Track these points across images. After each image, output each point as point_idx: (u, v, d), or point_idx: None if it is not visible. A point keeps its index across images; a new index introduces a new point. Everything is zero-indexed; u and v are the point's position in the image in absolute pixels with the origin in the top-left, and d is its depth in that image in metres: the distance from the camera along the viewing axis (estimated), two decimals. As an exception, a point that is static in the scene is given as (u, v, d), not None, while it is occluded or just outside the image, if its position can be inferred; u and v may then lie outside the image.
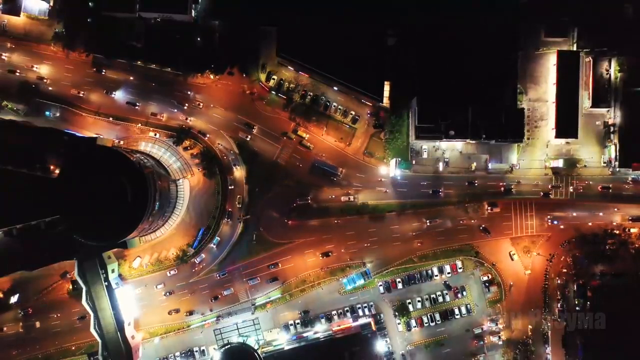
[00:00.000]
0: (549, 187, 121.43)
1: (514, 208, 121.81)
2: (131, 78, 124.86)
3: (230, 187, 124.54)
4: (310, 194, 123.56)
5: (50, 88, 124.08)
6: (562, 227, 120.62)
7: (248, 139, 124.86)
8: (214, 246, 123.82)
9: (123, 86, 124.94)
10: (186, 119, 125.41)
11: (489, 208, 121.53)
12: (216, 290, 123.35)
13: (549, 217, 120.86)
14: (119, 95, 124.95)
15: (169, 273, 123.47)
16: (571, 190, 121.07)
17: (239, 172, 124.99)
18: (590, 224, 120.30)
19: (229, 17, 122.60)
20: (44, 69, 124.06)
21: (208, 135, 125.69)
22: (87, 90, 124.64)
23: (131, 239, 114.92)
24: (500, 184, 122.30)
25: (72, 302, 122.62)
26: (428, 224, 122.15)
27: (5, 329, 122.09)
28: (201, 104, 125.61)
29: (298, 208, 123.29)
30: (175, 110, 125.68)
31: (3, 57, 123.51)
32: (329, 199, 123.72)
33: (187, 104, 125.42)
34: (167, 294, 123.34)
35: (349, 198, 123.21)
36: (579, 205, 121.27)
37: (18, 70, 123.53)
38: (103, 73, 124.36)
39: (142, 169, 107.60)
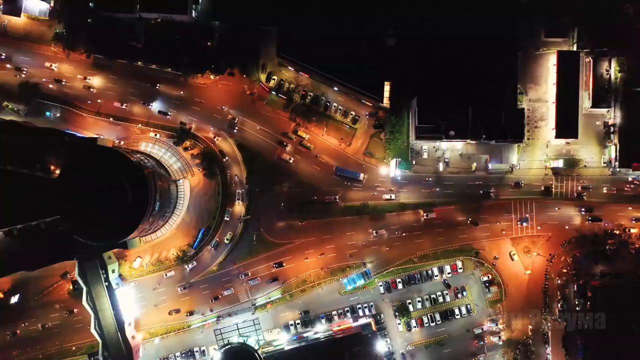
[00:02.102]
0: (580, 188, 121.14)
1: (514, 208, 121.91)
2: (182, 93, 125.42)
3: (225, 219, 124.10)
4: (339, 193, 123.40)
5: (99, 100, 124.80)
6: (533, 227, 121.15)
7: (291, 161, 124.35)
8: (187, 268, 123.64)
9: (160, 98, 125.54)
10: (214, 137, 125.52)
11: (424, 214, 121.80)
12: (216, 290, 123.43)
13: (517, 219, 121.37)
14: (156, 106, 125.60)
15: (130, 284, 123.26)
16: (605, 191, 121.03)
17: (238, 207, 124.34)
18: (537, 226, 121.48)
19: (229, 18, 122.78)
20: (95, 80, 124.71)
21: (227, 158, 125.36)
22: (130, 102, 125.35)
23: (132, 239, 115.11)
24: (549, 183, 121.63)
25: (72, 302, 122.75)
26: (375, 234, 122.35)
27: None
28: (237, 119, 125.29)
29: (299, 208, 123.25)
30: (211, 128, 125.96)
31: (53, 67, 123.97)
32: (370, 197, 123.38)
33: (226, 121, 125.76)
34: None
35: (391, 196, 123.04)
36: (580, 205, 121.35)
37: (64, 80, 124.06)
38: (157, 87, 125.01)
39: (143, 170, 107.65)
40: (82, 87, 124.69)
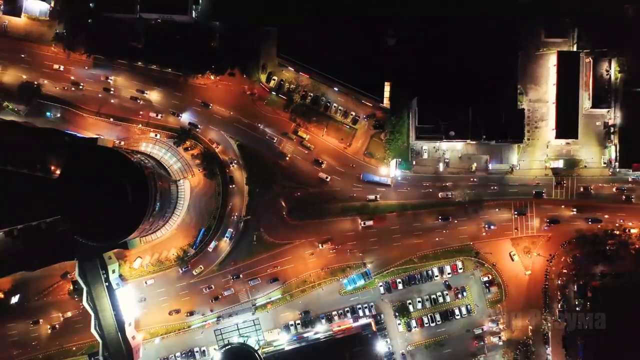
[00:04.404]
0: (614, 189, 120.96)
1: (514, 208, 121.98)
2: (231, 113, 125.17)
3: (209, 249, 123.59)
4: (379, 192, 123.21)
5: (141, 112, 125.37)
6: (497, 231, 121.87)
7: (328, 180, 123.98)
8: (150, 282, 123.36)
9: (190, 109, 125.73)
10: (230, 162, 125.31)
11: (362, 222, 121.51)
12: (217, 290, 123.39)
13: (484, 223, 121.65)
14: (185, 117, 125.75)
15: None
16: None
17: (224, 244, 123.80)
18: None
19: (229, 18, 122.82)
20: (154, 95, 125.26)
21: (233, 186, 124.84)
22: (165, 113, 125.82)
23: (132, 239, 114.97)
24: (589, 185, 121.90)
25: (72, 302, 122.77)
26: (321, 247, 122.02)
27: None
28: (275, 139, 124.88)
29: (298, 207, 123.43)
30: (233, 157, 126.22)
31: (109, 80, 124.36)
32: (424, 195, 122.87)
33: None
34: None
35: (447, 194, 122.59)
36: (576, 205, 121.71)
37: (112, 89, 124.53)
38: (210, 107, 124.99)
39: (143, 170, 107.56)
40: (129, 98, 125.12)
